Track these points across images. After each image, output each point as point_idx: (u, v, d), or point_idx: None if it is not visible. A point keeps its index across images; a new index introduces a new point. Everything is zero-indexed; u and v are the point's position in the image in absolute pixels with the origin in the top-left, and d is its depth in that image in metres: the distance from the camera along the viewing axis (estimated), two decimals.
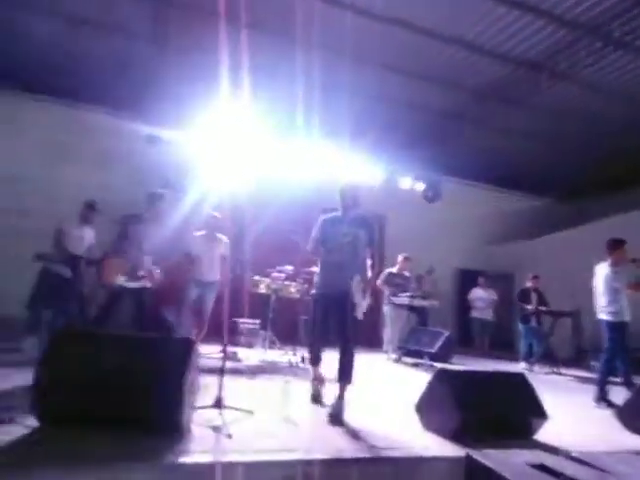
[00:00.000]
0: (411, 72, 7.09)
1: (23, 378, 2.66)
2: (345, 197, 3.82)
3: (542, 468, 2.18)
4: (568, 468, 2.21)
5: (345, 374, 3.54)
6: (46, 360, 2.61)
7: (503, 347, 10.03)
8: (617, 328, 4.90)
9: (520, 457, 2.31)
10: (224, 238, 5.83)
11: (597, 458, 2.41)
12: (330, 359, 3.97)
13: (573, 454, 2.46)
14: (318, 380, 3.89)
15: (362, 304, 3.63)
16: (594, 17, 5.67)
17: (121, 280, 4.32)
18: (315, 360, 3.82)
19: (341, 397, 3.47)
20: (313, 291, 4.01)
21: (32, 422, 2.48)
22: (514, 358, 8.34)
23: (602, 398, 4.89)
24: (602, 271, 5.17)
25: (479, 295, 9.48)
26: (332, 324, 3.73)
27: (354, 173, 9.06)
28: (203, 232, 5.78)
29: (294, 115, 7.14)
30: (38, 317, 5.16)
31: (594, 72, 6.71)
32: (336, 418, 3.27)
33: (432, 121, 8.48)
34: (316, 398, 3.81)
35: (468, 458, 2.39)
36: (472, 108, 7.97)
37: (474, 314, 9.50)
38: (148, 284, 4.48)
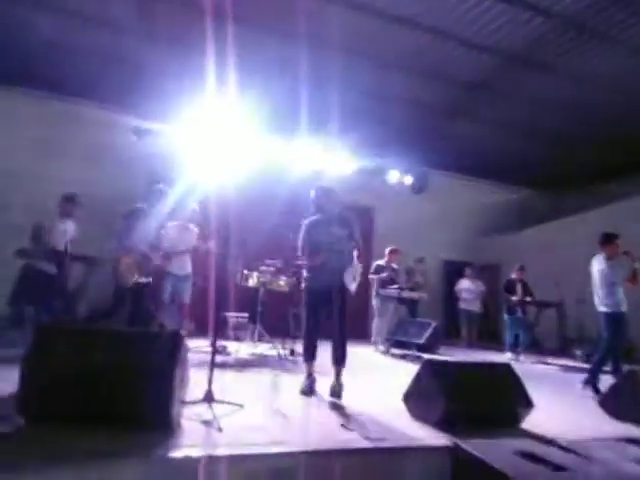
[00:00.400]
0: (395, 66, 7.07)
1: (9, 375, 2.63)
2: (319, 199, 4.09)
3: (529, 456, 2.22)
4: (554, 456, 2.26)
5: (340, 358, 3.87)
6: (31, 357, 2.57)
7: (489, 338, 10.17)
8: (615, 319, 5.04)
9: (507, 446, 2.35)
10: (195, 228, 5.77)
11: (582, 445, 2.46)
12: (320, 352, 4.05)
13: (559, 442, 2.52)
14: (311, 376, 3.95)
15: (352, 286, 3.93)
16: (577, 10, 5.70)
17: (136, 278, 4.32)
18: (310, 357, 3.98)
19: (338, 379, 3.83)
20: (303, 286, 4.14)
21: (19, 420, 2.45)
22: (500, 348, 8.46)
23: (591, 383, 5.03)
24: (598, 264, 5.27)
25: (466, 286, 9.52)
26: (323, 315, 3.97)
27: (342, 167, 9.07)
28: (175, 222, 5.65)
29: (282, 110, 7.10)
30: (21, 313, 5.11)
31: (577, 65, 6.75)
32: (337, 398, 3.70)
33: (419, 115, 8.48)
34: (306, 392, 3.84)
35: (456, 447, 2.42)
36: (459, 101, 7.99)
37: (461, 305, 9.53)
38: (150, 279, 4.50)
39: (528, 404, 3.30)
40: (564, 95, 7.58)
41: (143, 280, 4.42)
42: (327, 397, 3.80)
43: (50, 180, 7.26)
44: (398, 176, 9.93)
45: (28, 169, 7.63)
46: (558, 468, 2.20)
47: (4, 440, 2.28)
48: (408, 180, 10.06)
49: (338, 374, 3.85)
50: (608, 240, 5.23)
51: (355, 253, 4.08)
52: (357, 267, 3.95)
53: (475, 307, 9.46)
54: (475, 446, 2.29)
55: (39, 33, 6.51)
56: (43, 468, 2.03)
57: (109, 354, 2.63)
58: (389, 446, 2.64)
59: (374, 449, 2.58)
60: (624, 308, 5.07)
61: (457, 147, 9.80)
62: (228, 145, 7.38)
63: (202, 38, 5.83)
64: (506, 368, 3.59)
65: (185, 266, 5.64)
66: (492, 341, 9.87)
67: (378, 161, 9.58)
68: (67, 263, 5.32)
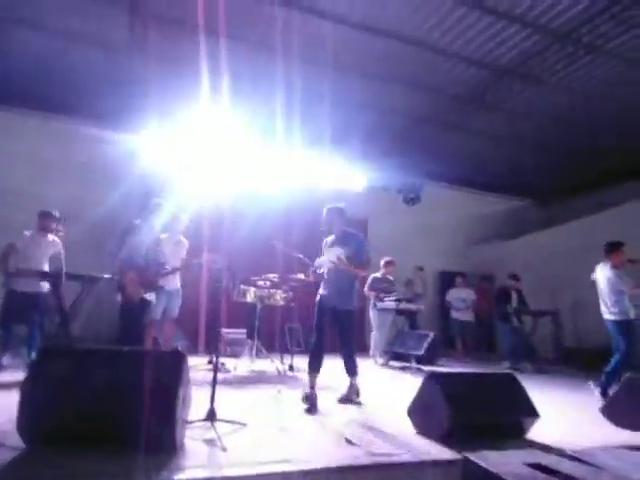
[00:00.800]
0: (390, 79, 7.16)
1: (6, 398, 2.57)
2: (327, 220, 4.36)
3: (539, 467, 2.21)
4: (564, 466, 2.25)
5: (351, 369, 4.20)
6: (31, 379, 2.52)
7: (486, 348, 10.16)
8: (625, 326, 5.07)
9: (516, 457, 2.34)
10: (185, 241, 5.72)
11: (590, 455, 2.46)
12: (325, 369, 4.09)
13: (567, 452, 2.51)
14: (313, 389, 3.94)
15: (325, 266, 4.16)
16: (564, 23, 5.84)
17: (141, 293, 4.28)
18: (314, 368, 4.08)
19: (352, 385, 4.17)
20: (317, 298, 4.36)
21: (19, 443, 2.40)
22: (496, 358, 8.43)
23: (602, 386, 5.06)
24: (604, 273, 5.28)
25: (457, 295, 9.47)
26: (330, 330, 4.25)
27: (335, 179, 9.10)
28: (166, 235, 5.46)
29: (275, 123, 7.13)
30: (10, 333, 5.07)
31: (566, 76, 6.89)
32: (346, 401, 4.07)
33: (412, 127, 8.58)
34: (310, 407, 3.79)
35: (465, 460, 2.41)
36: (450, 114, 8.09)
37: (454, 315, 9.42)
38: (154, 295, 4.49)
39: (534, 414, 3.28)
40: (555, 106, 7.72)
41: (147, 296, 4.38)
42: (330, 412, 3.77)
43: (48, 199, 7.16)
44: (391, 188, 9.97)
45: (26, 189, 7.52)
46: (568, 478, 2.19)
47: (6, 463, 2.22)
48: (401, 191, 10.12)
49: (352, 382, 4.18)
50: (614, 248, 5.24)
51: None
52: (334, 253, 4.13)
53: (468, 317, 9.36)
54: (485, 458, 2.28)
55: (33, 53, 6.53)
56: None
57: (110, 374, 2.58)
58: (397, 461, 2.61)
59: (382, 465, 2.55)
60: (632, 315, 5.11)
61: (450, 158, 9.89)
62: (222, 160, 7.40)
63: (194, 55, 5.88)
64: (510, 378, 3.58)
65: (175, 281, 5.58)
66: (486, 351, 9.84)
67: (371, 173, 9.62)
68: (60, 281, 5.25)
